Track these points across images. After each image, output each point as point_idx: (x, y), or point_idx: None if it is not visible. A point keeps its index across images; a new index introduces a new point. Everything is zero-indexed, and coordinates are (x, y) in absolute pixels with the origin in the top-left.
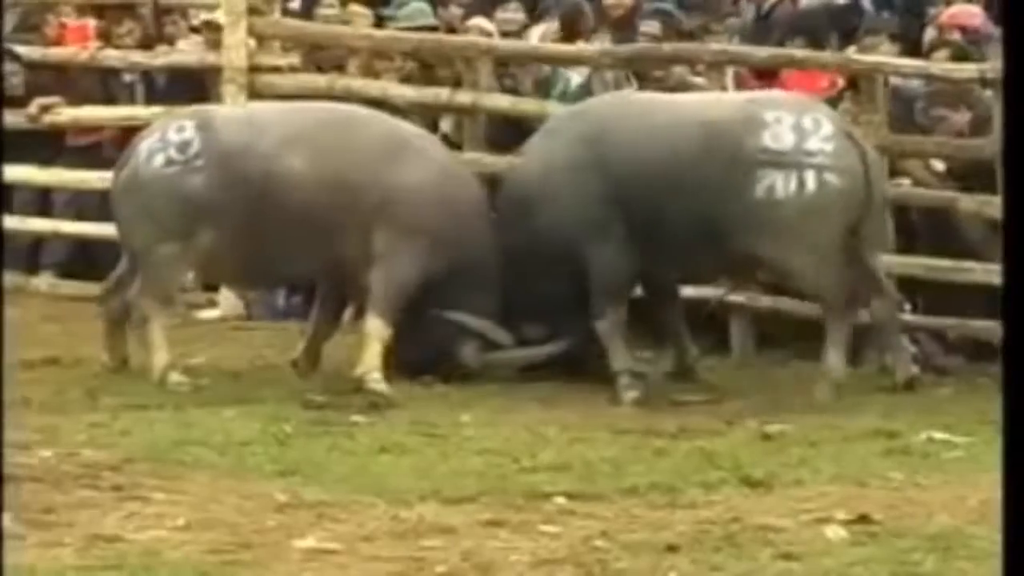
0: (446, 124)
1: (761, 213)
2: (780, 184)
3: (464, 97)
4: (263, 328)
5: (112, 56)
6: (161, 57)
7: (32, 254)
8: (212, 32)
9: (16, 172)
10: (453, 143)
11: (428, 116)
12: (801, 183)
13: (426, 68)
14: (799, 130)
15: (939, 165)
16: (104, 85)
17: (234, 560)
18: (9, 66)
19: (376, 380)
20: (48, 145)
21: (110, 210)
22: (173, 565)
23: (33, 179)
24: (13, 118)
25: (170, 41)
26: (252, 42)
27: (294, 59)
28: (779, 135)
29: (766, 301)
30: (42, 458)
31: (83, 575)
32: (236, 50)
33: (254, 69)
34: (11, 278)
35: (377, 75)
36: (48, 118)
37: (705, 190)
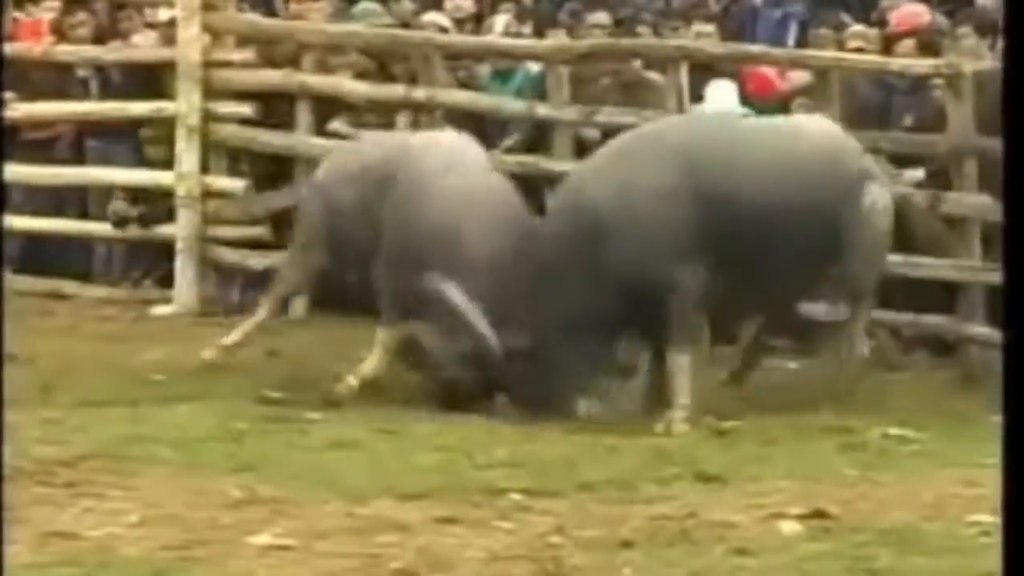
0: (403, 121)
1: (864, 225)
2: (879, 198)
3: (420, 93)
4: (219, 324)
5: (65, 51)
6: (115, 52)
7: None
8: (173, 29)
9: None
10: None
11: (384, 113)
12: (887, 202)
13: (381, 64)
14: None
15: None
16: (58, 80)
17: (189, 556)
18: None
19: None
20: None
21: (63, 206)
22: (128, 561)
23: None
24: None
25: (124, 36)
26: (207, 37)
27: (248, 54)
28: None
29: None
30: None
31: (37, 572)
32: (191, 45)
33: (208, 64)
34: None
35: (332, 71)
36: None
37: (817, 209)
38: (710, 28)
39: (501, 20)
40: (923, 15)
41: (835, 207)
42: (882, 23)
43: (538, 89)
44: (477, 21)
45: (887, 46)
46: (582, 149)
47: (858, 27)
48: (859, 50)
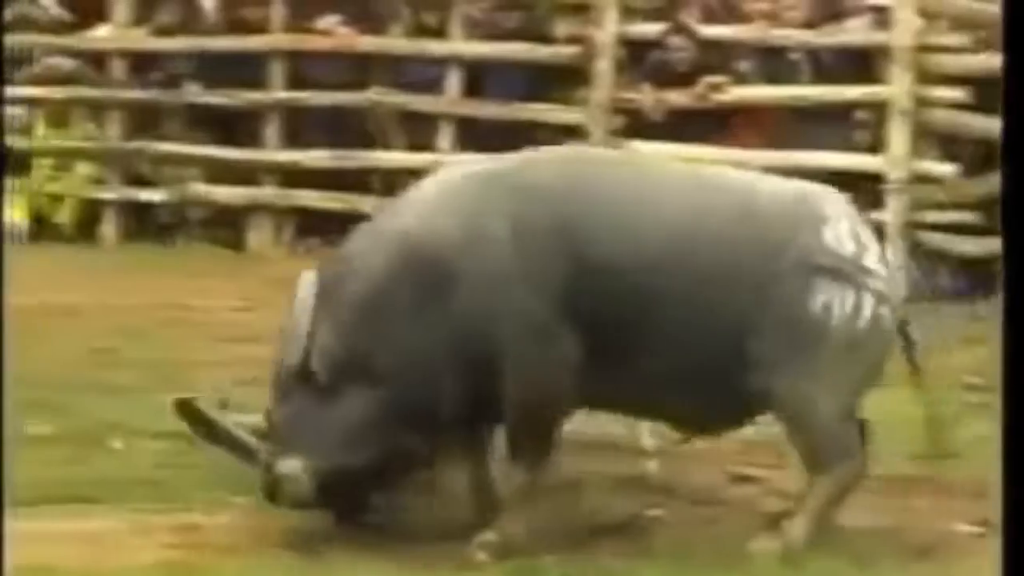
0: None
1: (807, 335)
2: (837, 303)
3: None
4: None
5: (779, 35)
6: (828, 36)
7: None
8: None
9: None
10: None
11: None
12: (857, 308)
13: None
14: (856, 239)
15: None
16: (767, 63)
17: None
18: (680, 41)
19: None
20: (711, 123)
21: None
22: None
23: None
24: (678, 97)
25: (839, 18)
26: (920, 21)
27: (963, 38)
28: (840, 238)
29: None
30: None
31: None
32: (904, 29)
33: (921, 48)
34: None
35: None
36: (715, 97)
37: (733, 302)
38: None
39: None
40: None
41: (756, 296)
42: None
43: None
44: None
45: None
46: None
47: None
48: None
